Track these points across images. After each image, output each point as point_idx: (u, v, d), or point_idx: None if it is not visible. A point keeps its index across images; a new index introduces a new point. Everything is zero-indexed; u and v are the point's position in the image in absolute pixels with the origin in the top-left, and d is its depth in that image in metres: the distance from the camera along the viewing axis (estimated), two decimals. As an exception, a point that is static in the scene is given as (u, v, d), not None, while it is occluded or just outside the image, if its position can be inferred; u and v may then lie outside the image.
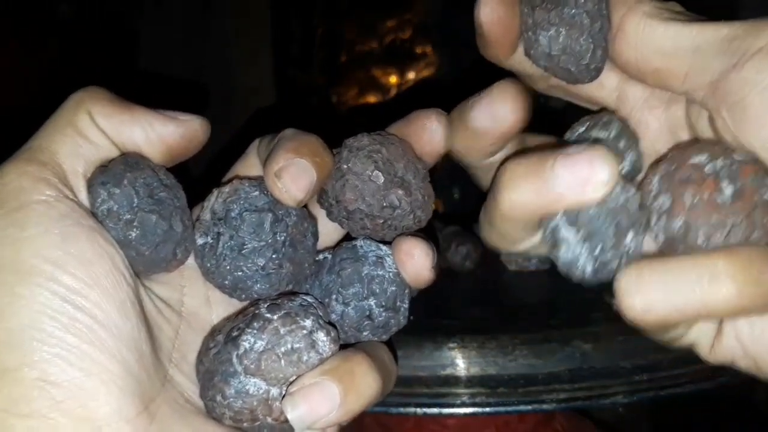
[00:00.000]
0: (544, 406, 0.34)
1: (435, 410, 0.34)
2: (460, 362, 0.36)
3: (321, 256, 0.24)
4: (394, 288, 0.23)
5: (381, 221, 0.23)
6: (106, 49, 1.04)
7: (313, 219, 0.24)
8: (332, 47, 1.08)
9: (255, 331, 0.20)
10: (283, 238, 0.22)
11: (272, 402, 0.20)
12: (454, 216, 1.04)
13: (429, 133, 0.26)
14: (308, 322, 0.21)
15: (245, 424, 0.21)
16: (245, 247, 0.21)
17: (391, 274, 0.23)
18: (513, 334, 0.37)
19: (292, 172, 0.21)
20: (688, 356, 0.37)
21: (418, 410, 0.34)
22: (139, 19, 1.16)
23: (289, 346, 0.20)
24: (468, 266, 0.49)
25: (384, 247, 0.23)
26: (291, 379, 0.20)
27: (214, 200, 0.22)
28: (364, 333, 0.23)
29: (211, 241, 0.22)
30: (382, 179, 0.22)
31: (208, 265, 0.22)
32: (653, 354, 0.37)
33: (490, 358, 0.36)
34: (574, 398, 0.34)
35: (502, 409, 0.35)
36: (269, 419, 0.21)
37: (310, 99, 1.08)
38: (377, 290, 0.23)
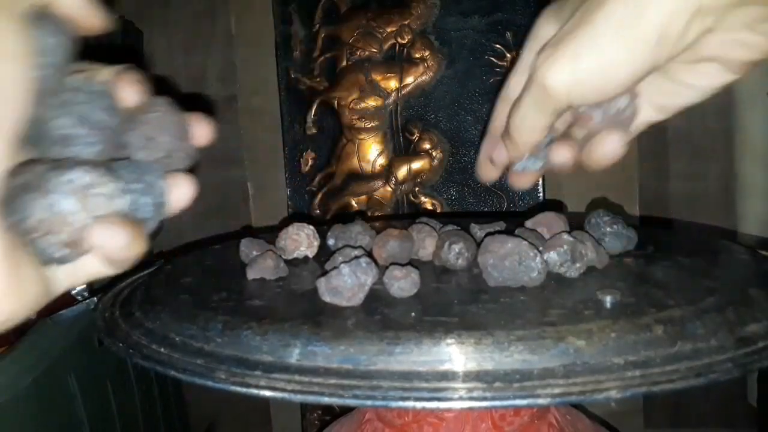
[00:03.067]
0: (539, 401, 0.35)
1: (433, 404, 0.35)
2: (457, 358, 0.37)
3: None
4: (162, 200, 0.29)
5: (164, 155, 0.29)
6: (110, 50, 1.04)
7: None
8: (333, 52, 1.08)
9: (83, 170, 0.25)
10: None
11: (70, 223, 0.24)
12: (452, 215, 1.04)
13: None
14: (115, 177, 0.26)
15: (34, 234, 0.24)
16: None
17: (164, 189, 0.29)
18: (509, 331, 0.38)
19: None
20: (681, 353, 0.38)
21: (417, 404, 0.35)
22: (145, 20, 1.16)
23: (106, 190, 0.25)
24: (461, 264, 0.50)
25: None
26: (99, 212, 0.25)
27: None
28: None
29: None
30: (176, 123, 0.30)
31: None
32: (646, 350, 0.37)
33: (486, 353, 0.37)
34: (568, 393, 0.35)
35: (498, 403, 0.35)
36: (57, 236, 0.24)
37: (312, 102, 1.09)
38: (154, 194, 0.28)
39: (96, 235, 0.25)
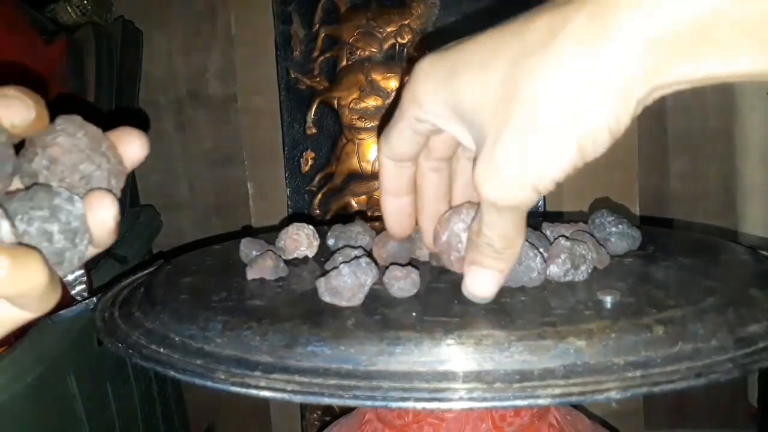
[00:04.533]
0: (539, 401, 0.35)
1: (433, 404, 0.35)
2: (457, 358, 0.37)
3: (15, 188, 0.26)
4: (77, 224, 0.25)
5: (78, 176, 0.26)
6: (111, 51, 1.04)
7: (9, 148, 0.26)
8: (333, 51, 1.08)
9: None
10: None
11: None
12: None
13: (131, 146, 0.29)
14: None
15: None
16: None
17: (78, 213, 0.25)
18: (509, 332, 0.38)
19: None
20: (681, 353, 0.38)
21: (417, 404, 0.35)
22: (145, 20, 1.16)
23: None
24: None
25: (76, 196, 0.26)
26: None
27: None
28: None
29: None
30: (86, 142, 0.27)
31: None
32: (646, 351, 0.37)
33: (486, 354, 0.37)
34: (568, 393, 0.35)
35: (498, 403, 0.35)
36: None
37: (312, 102, 1.09)
38: (62, 219, 0.24)
39: None
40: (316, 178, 1.10)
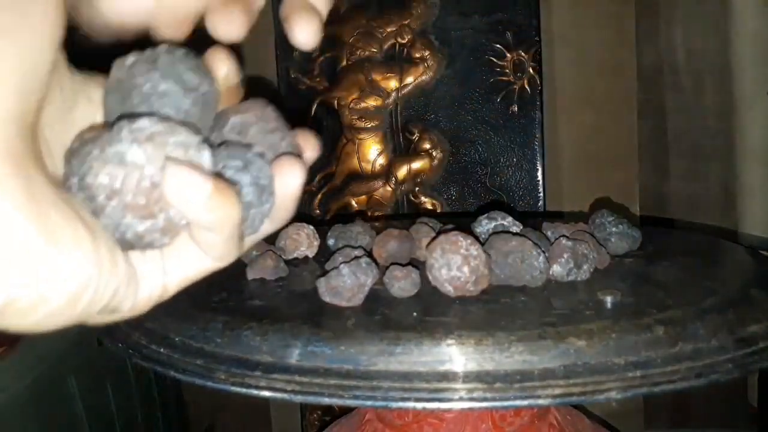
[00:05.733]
0: (539, 401, 0.35)
1: (434, 404, 0.35)
2: (457, 358, 0.37)
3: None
4: (266, 182, 0.24)
5: (267, 145, 0.26)
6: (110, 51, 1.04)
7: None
8: (333, 52, 1.08)
9: (155, 121, 0.20)
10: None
11: (141, 178, 0.20)
12: (452, 215, 1.04)
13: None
14: (201, 138, 0.21)
15: (100, 195, 0.20)
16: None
17: (268, 172, 0.24)
18: (509, 331, 0.37)
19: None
20: (681, 353, 0.38)
21: (418, 404, 0.35)
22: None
23: (182, 138, 0.20)
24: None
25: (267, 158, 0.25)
26: None
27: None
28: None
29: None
30: (274, 116, 0.26)
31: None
32: (646, 351, 0.37)
33: (487, 354, 0.37)
34: (568, 394, 0.35)
35: (498, 403, 0.35)
36: (129, 196, 0.20)
37: (312, 102, 1.09)
38: (253, 173, 0.24)
39: (166, 184, 0.20)
40: (316, 178, 1.10)
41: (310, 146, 0.27)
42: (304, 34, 0.27)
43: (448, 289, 0.43)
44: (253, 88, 0.28)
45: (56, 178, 0.21)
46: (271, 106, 0.27)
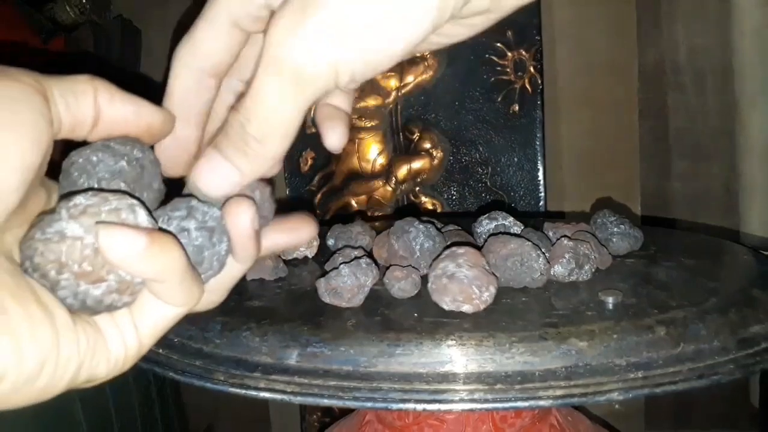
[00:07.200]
0: (540, 403, 0.34)
1: (434, 406, 0.35)
2: (458, 359, 0.36)
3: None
4: (214, 224, 0.25)
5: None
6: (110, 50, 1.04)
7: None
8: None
9: (88, 195, 0.23)
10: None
11: (83, 248, 0.22)
12: (452, 215, 1.04)
13: None
14: (135, 200, 0.23)
15: (51, 271, 0.22)
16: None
17: (215, 215, 0.26)
18: (510, 332, 0.37)
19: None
20: (683, 354, 0.38)
21: (418, 406, 0.35)
22: (144, 19, 1.16)
23: (114, 204, 0.23)
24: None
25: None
26: None
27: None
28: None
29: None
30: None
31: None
32: (648, 352, 0.37)
33: (487, 355, 0.36)
34: (569, 395, 0.35)
35: (499, 405, 0.35)
36: (75, 266, 0.22)
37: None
38: (199, 218, 0.25)
39: (102, 247, 0.21)
40: (316, 178, 1.10)
41: (305, 233, 0.29)
42: (334, 139, 0.28)
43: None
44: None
45: (16, 265, 0.22)
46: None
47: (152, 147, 0.27)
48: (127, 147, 0.25)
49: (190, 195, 0.26)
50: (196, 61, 0.27)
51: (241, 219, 0.25)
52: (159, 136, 0.27)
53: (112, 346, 0.24)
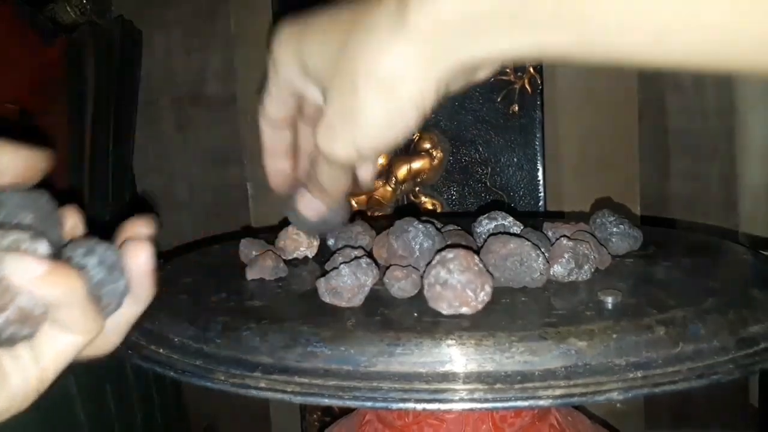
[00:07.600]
0: (540, 402, 0.35)
1: (434, 405, 0.35)
2: (458, 359, 0.36)
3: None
4: (113, 260, 0.27)
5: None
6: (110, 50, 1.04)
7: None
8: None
9: None
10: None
11: None
12: (452, 215, 1.04)
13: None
14: (36, 234, 0.25)
15: None
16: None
17: (113, 254, 0.28)
18: (510, 332, 0.37)
19: None
20: (682, 354, 0.38)
21: (418, 405, 0.35)
22: (145, 20, 1.16)
23: (14, 237, 0.24)
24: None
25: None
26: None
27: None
28: None
29: None
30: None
31: None
32: (647, 352, 0.37)
33: (487, 355, 0.36)
34: (569, 394, 0.35)
35: (499, 404, 0.35)
36: None
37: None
38: (98, 256, 0.27)
39: (7, 270, 0.23)
40: (316, 178, 1.10)
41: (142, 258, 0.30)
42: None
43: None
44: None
45: None
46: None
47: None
48: (32, 193, 0.27)
49: (91, 236, 0.28)
50: (268, 118, 0.38)
51: (140, 257, 0.28)
52: (38, 176, 0.29)
53: (13, 382, 0.27)
